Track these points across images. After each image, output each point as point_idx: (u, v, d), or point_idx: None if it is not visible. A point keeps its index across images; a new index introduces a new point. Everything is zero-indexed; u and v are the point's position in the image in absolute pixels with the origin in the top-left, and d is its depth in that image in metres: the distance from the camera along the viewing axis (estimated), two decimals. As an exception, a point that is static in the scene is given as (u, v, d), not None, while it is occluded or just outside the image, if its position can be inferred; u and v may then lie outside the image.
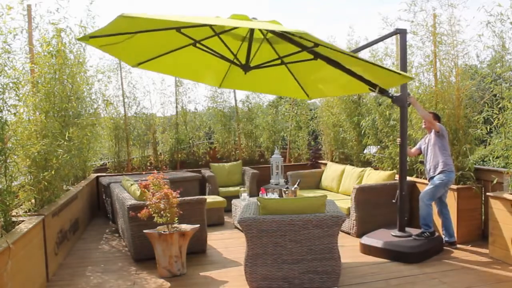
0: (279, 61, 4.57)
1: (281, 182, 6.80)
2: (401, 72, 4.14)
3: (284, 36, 4.07)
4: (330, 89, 5.73)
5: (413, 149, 5.40)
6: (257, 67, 4.43)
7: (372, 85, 4.57)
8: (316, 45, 3.82)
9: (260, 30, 4.20)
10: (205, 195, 7.44)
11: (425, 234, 4.86)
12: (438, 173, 4.92)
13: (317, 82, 5.43)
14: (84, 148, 6.33)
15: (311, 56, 4.25)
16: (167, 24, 3.81)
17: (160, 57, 4.58)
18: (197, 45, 4.29)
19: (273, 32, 4.16)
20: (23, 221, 3.80)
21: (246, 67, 4.33)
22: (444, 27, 5.62)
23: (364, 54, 7.19)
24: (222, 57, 4.40)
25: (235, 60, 4.41)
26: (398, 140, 5.06)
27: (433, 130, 4.98)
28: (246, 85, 5.94)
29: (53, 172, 4.45)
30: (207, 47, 4.28)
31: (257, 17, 3.67)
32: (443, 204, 5.09)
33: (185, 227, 4.42)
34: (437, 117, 5.11)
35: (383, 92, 4.82)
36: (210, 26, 3.98)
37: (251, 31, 4.11)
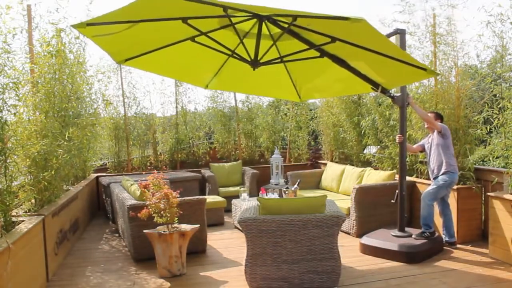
0: (287, 58, 4.43)
1: (281, 182, 6.79)
2: (427, 67, 3.99)
3: (293, 32, 4.01)
4: (323, 90, 5.67)
5: (415, 145, 5.36)
6: (268, 63, 4.22)
7: (375, 84, 4.56)
8: (334, 40, 3.69)
9: (267, 26, 4.10)
10: (205, 195, 7.44)
11: (425, 234, 4.85)
12: (442, 174, 4.90)
13: (312, 84, 5.38)
14: (84, 148, 6.33)
15: (317, 54, 4.20)
16: (181, 10, 3.60)
17: (149, 53, 4.37)
18: (196, 39, 4.14)
19: (287, 30, 3.90)
20: (23, 221, 3.80)
21: (255, 63, 4.13)
22: (444, 27, 5.63)
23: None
24: (232, 52, 4.22)
25: (245, 56, 4.22)
26: (398, 137, 5.01)
27: (435, 130, 4.96)
28: (234, 87, 5.81)
29: (53, 172, 4.45)
30: (211, 39, 4.09)
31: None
32: (446, 204, 5.09)
33: (185, 227, 4.42)
34: (439, 116, 5.07)
35: (384, 91, 4.82)
36: (229, 17, 3.78)
37: (259, 26, 3.89)
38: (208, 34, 4.01)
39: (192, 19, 3.75)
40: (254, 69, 4.17)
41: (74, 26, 3.51)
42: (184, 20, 3.72)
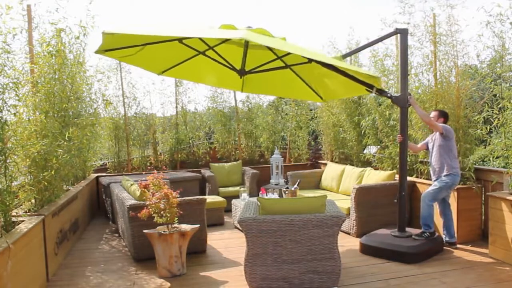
0: (274, 65, 4.69)
1: (281, 182, 6.80)
2: (365, 72, 4.28)
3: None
4: (340, 91, 5.77)
5: (420, 145, 5.30)
6: (250, 72, 4.62)
7: (369, 86, 4.59)
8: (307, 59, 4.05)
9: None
10: (205, 195, 7.44)
11: (425, 234, 4.85)
12: (443, 176, 4.87)
13: (326, 85, 5.52)
14: (84, 148, 6.33)
15: (306, 60, 4.34)
16: (158, 38, 4.06)
17: (180, 64, 4.91)
18: (205, 53, 4.54)
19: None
20: (23, 221, 3.80)
21: (241, 72, 4.52)
22: (443, 27, 5.62)
23: (365, 55, 7.25)
24: (226, 65, 4.55)
25: (237, 67, 4.64)
26: (399, 137, 4.97)
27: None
28: (266, 90, 6.19)
29: (53, 172, 4.45)
30: (215, 54, 4.49)
31: (252, 24, 3.83)
32: (446, 205, 5.08)
33: (185, 227, 4.42)
34: (442, 115, 5.00)
35: (381, 92, 4.83)
36: (201, 39, 4.19)
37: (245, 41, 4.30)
38: (209, 51, 4.55)
39: (187, 39, 4.22)
40: (241, 77, 4.66)
41: (96, 52, 4.20)
42: (180, 41, 4.07)
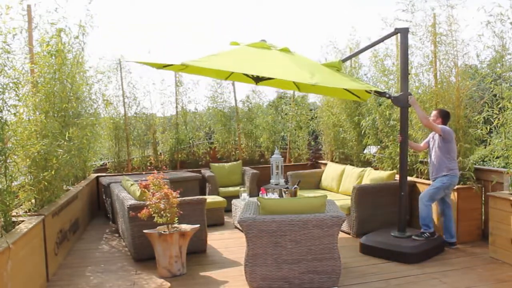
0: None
1: (281, 182, 6.78)
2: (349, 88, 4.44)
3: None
4: (358, 91, 5.79)
5: (422, 144, 5.28)
6: (264, 79, 5.03)
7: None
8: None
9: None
10: (205, 195, 7.44)
11: (425, 234, 4.85)
12: (441, 176, 4.87)
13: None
14: (84, 148, 6.33)
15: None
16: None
17: (233, 73, 5.37)
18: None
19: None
20: (23, 221, 3.80)
21: (256, 79, 4.92)
22: (444, 27, 5.62)
23: (365, 55, 7.25)
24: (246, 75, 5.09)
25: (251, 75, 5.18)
26: (398, 137, 4.96)
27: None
28: (317, 90, 6.48)
29: (53, 172, 4.45)
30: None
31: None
32: (446, 205, 5.07)
33: (185, 227, 4.42)
34: (442, 116, 4.96)
35: (380, 93, 4.82)
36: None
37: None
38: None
39: None
40: (256, 84, 5.09)
41: (157, 68, 5.26)
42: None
